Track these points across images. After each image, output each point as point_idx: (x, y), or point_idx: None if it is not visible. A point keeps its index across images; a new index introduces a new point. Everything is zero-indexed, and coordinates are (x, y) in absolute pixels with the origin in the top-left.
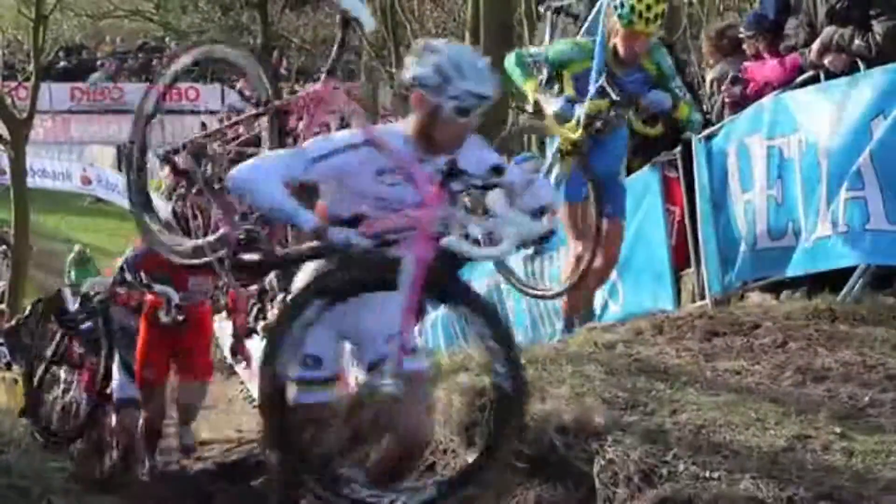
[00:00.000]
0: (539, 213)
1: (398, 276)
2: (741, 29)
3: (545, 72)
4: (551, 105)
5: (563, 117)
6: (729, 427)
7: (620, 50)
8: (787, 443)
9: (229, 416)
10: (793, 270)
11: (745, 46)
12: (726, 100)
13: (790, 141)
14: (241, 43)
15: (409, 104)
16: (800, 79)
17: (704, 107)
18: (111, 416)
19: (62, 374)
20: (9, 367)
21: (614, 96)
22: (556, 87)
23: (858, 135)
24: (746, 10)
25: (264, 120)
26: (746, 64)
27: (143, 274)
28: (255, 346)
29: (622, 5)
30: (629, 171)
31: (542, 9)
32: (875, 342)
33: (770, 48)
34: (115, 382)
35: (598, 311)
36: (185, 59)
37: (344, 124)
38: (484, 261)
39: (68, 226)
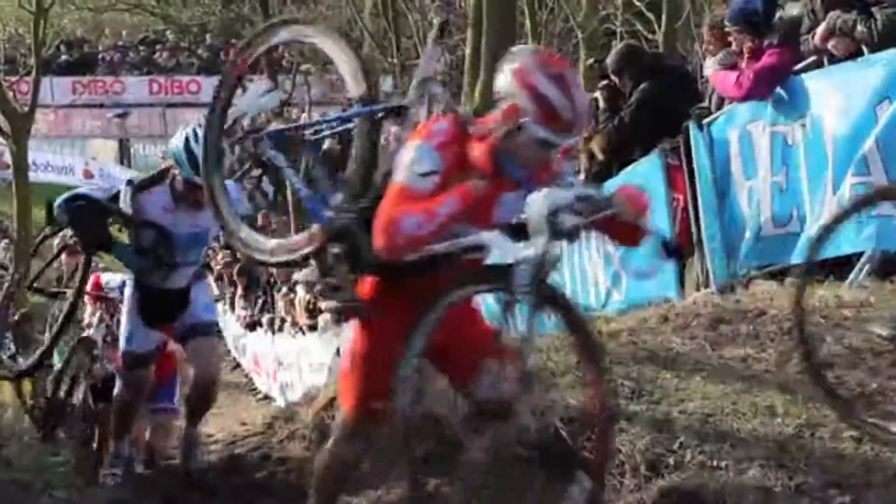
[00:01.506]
0: None
1: None
2: (726, 22)
3: None
4: None
5: None
6: (736, 415)
7: None
8: (796, 430)
9: (233, 408)
10: (798, 257)
11: (731, 39)
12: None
13: (794, 127)
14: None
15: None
16: (803, 63)
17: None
18: None
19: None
20: (13, 359)
21: None
22: None
23: (864, 120)
24: None
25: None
26: (708, 73)
27: None
28: (259, 338)
29: None
30: (631, 160)
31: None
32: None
33: (754, 44)
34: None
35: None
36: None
37: None
38: None
39: None
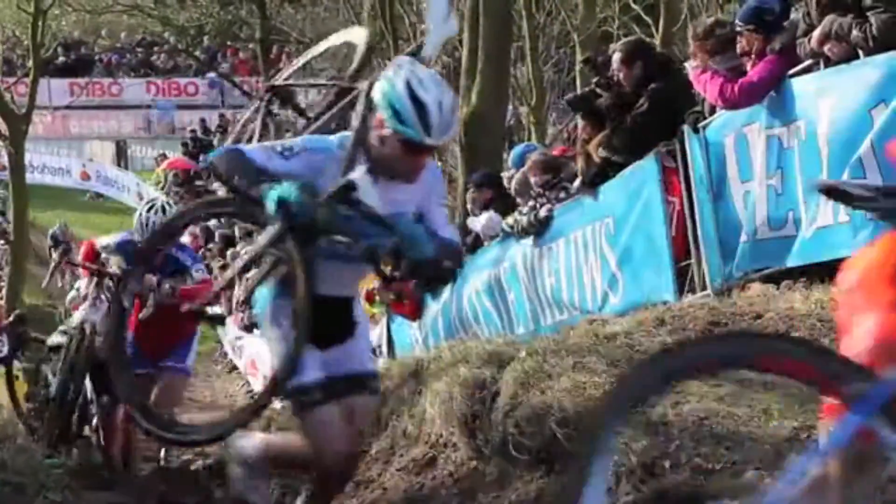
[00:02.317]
0: None
1: None
2: (737, 21)
3: None
4: None
5: None
6: (732, 418)
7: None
8: (791, 433)
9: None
10: (794, 261)
11: (738, 40)
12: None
13: (790, 130)
14: None
15: None
16: (799, 67)
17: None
18: None
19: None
20: (3, 361)
21: None
22: None
23: (859, 123)
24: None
25: None
26: (692, 72)
27: None
28: (256, 340)
29: None
30: (628, 163)
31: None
32: None
33: (763, 46)
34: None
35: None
36: None
37: None
38: None
39: (68, 221)
